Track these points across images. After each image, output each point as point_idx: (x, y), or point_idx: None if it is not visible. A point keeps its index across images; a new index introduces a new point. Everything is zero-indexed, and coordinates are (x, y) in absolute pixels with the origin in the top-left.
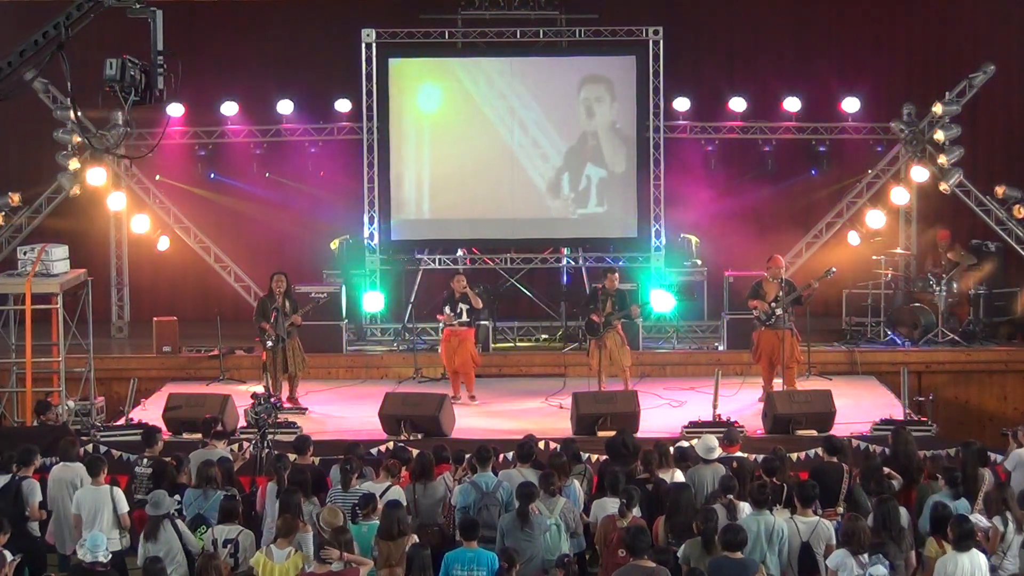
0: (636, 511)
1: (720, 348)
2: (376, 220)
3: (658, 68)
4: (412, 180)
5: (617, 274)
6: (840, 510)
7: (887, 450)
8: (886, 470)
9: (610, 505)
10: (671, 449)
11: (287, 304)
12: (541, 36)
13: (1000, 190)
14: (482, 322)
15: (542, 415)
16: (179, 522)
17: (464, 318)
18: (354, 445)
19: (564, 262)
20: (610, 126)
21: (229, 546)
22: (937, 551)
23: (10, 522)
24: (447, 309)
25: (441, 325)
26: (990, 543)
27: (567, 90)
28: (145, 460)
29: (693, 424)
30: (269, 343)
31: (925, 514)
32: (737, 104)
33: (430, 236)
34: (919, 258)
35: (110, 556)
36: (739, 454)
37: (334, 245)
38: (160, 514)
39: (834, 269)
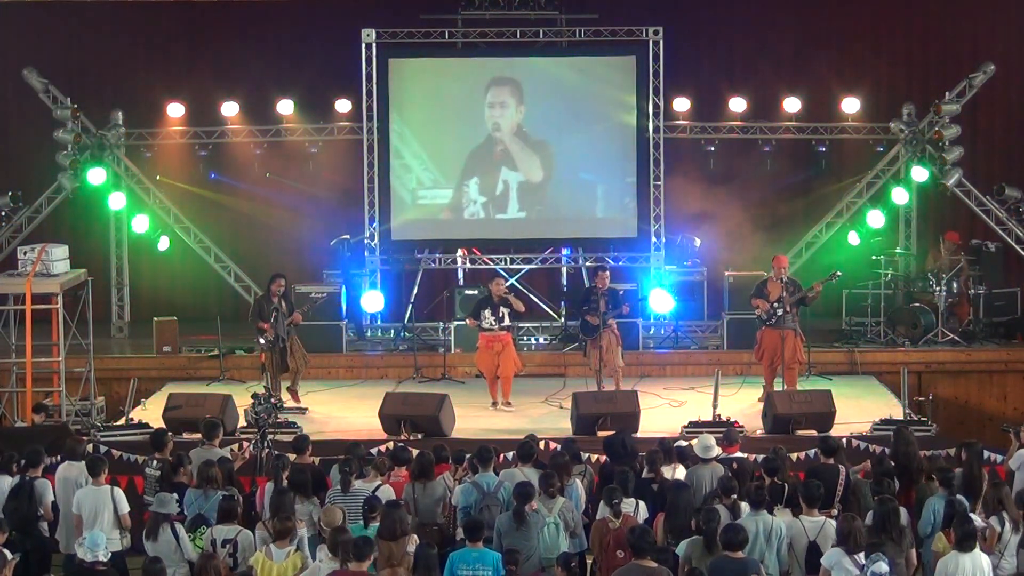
0: (630, 510)
1: (720, 348)
2: (376, 220)
3: (658, 68)
4: (412, 180)
5: (608, 272)
6: (835, 512)
7: (887, 450)
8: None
9: None
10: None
11: (284, 305)
12: (541, 36)
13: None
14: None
15: (542, 415)
16: (179, 526)
17: (506, 322)
18: (354, 445)
19: (564, 262)
20: (516, 130)
21: (228, 546)
22: (946, 546)
23: (23, 522)
24: (487, 313)
25: (479, 326)
26: (987, 543)
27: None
28: (155, 462)
29: (693, 424)
30: (262, 340)
31: (925, 515)
32: (737, 104)
33: (430, 236)
34: (919, 258)
35: (110, 556)
36: (739, 454)
37: (334, 244)
38: (162, 513)
39: (839, 273)
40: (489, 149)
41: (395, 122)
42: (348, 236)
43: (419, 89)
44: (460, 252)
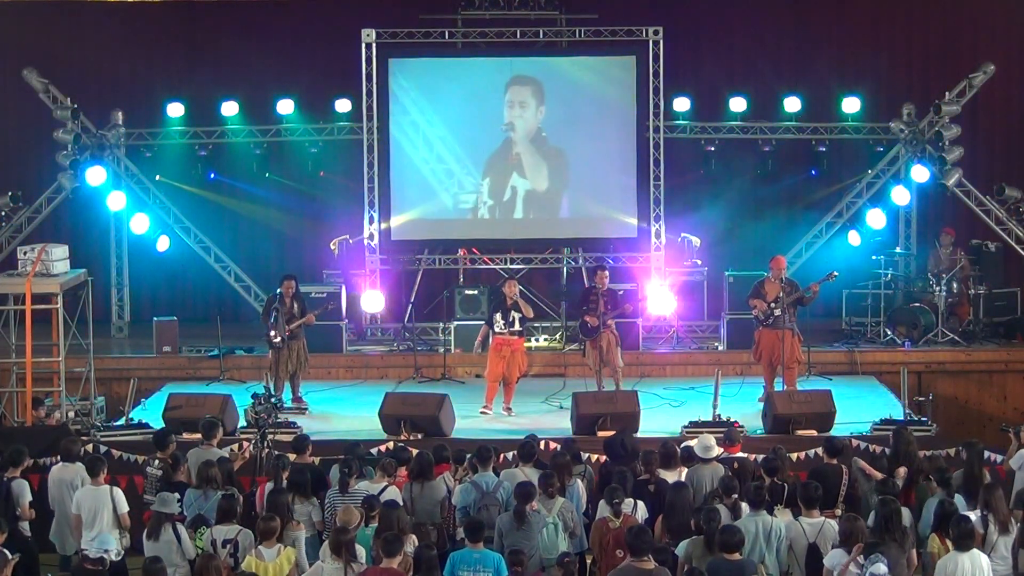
0: (632, 510)
1: (720, 348)
2: (376, 220)
3: (658, 68)
4: (412, 180)
5: (607, 272)
6: (839, 512)
7: (887, 450)
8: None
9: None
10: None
11: (295, 306)
12: (541, 36)
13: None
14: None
15: (542, 415)
16: (180, 527)
17: (517, 327)
18: (354, 445)
19: (564, 262)
20: (535, 134)
21: (228, 546)
22: (940, 548)
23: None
24: (498, 317)
25: (492, 331)
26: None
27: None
28: (156, 462)
29: (693, 424)
30: (265, 338)
31: (925, 515)
32: (737, 104)
33: (430, 236)
34: (919, 258)
35: (122, 554)
36: (740, 454)
37: (333, 246)
38: (163, 512)
39: (836, 273)
40: (506, 152)
41: (435, 125)
42: (348, 236)
43: (449, 87)
44: (460, 252)
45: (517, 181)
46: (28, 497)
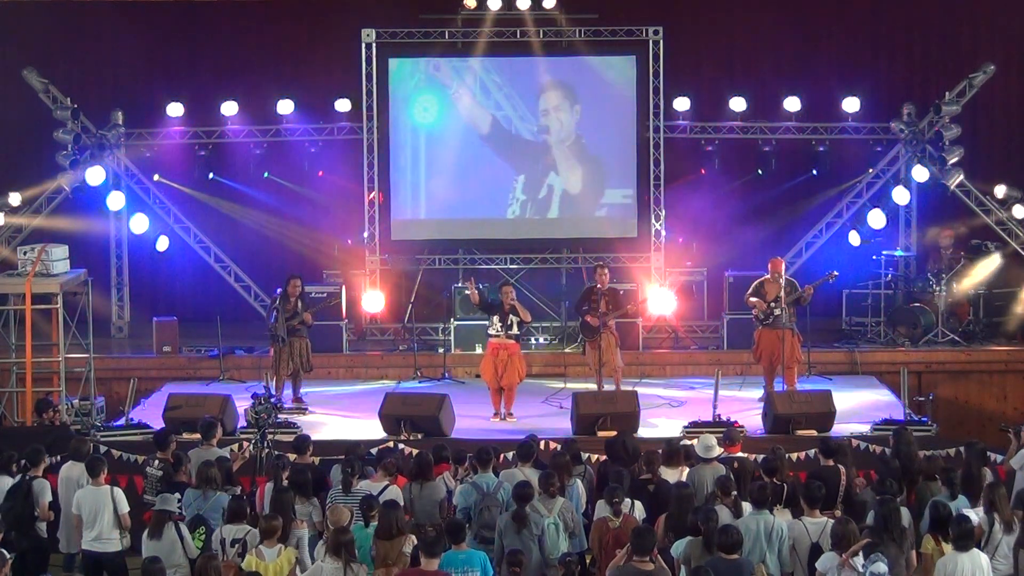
0: (629, 510)
1: (720, 348)
2: (376, 220)
3: (658, 68)
4: (412, 180)
5: (607, 269)
6: (838, 513)
7: (887, 450)
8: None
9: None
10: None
11: (299, 305)
12: (541, 36)
13: (1000, 190)
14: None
15: (542, 415)
16: (183, 526)
17: (514, 330)
18: (354, 445)
19: (563, 262)
20: (570, 136)
21: (237, 545)
22: (934, 548)
23: (19, 521)
24: (495, 319)
25: (486, 333)
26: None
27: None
28: (156, 462)
29: (693, 424)
30: (269, 335)
31: (926, 515)
32: (737, 104)
33: (430, 236)
34: (919, 258)
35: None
36: (740, 454)
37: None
38: (165, 511)
39: (836, 273)
40: (543, 151)
41: (435, 124)
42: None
43: (449, 87)
44: (460, 252)
45: (553, 179)
46: (48, 497)
